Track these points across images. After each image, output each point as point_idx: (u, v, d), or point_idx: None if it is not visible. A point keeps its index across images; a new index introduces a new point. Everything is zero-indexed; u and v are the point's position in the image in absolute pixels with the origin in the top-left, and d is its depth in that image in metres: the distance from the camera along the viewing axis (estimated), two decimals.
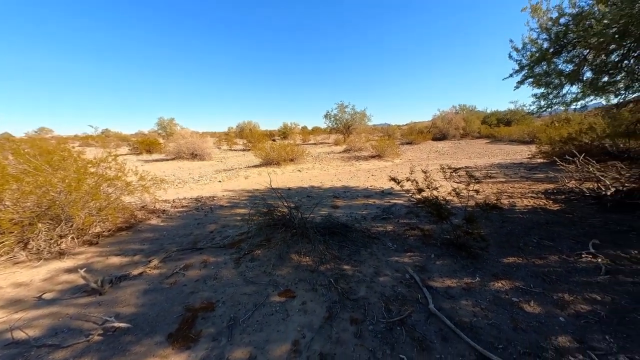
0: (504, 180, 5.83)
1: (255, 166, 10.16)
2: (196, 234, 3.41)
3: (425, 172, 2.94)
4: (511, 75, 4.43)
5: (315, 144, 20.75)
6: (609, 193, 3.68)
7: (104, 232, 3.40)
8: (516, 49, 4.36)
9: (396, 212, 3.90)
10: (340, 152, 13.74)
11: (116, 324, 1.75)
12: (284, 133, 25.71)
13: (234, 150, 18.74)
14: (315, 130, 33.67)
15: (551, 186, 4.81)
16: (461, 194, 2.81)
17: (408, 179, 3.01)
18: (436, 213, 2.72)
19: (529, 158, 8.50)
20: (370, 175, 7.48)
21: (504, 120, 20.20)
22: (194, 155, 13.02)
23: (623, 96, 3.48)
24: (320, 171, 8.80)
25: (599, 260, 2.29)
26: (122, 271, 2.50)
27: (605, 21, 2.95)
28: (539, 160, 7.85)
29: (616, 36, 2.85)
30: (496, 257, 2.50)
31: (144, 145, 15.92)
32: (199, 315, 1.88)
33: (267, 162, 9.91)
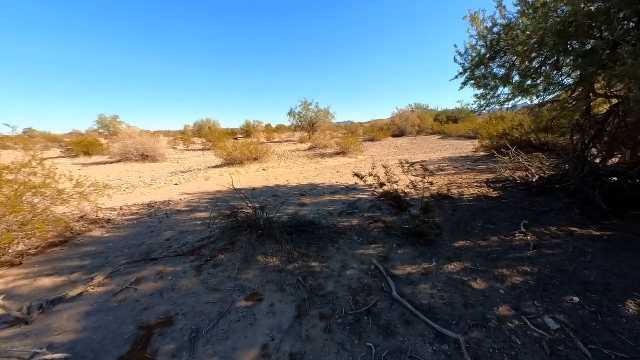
0: (454, 172, 6.45)
1: (217, 167, 9.61)
2: (150, 244, 3.10)
3: (385, 168, 3.10)
4: (456, 77, 4.89)
5: (280, 142, 20.43)
6: (534, 180, 4.32)
7: (29, 250, 2.89)
8: (460, 54, 4.82)
9: (361, 206, 4.05)
10: (305, 150, 13.75)
11: (49, 357, 1.50)
12: (247, 131, 24.78)
13: (192, 150, 17.48)
14: (280, 129, 33.15)
15: (491, 176, 5.47)
16: (418, 187, 3.02)
17: (370, 175, 3.13)
18: (397, 205, 2.89)
19: (473, 152, 9.54)
20: (336, 172, 7.64)
21: (453, 118, 22.32)
22: (145, 157, 11.79)
23: (542, 97, 4.08)
24: (286, 170, 8.69)
25: (529, 237, 2.68)
26: (55, 294, 2.15)
27: (528, 32, 3.42)
28: (482, 154, 8.86)
29: (536, 46, 3.32)
30: (449, 242, 2.76)
31: (81, 146, 13.89)
32: (155, 332, 1.72)
33: (229, 162, 9.45)
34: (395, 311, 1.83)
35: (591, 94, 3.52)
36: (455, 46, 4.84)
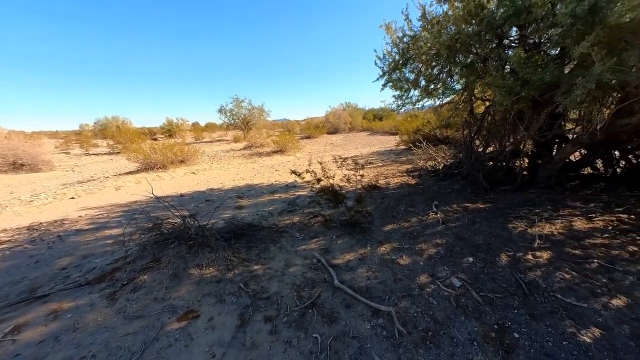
0: (381, 164, 7.22)
1: (131, 172, 8.13)
2: (34, 277, 2.40)
3: (321, 163, 3.22)
4: (377, 79, 5.46)
5: (211, 141, 18.73)
6: (440, 167, 5.24)
7: None
8: (379, 58, 5.38)
9: (301, 203, 4.11)
10: (240, 149, 13.03)
11: None
12: (169, 130, 21.77)
13: (94, 154, 14.26)
14: (210, 127, 30.35)
15: (410, 166, 6.37)
16: (351, 180, 3.26)
17: (307, 171, 3.21)
18: (333, 199, 3.05)
19: (395, 146, 10.88)
20: (274, 170, 7.52)
21: (378, 116, 24.87)
22: (19, 166, 9.00)
23: (442, 99, 4.94)
24: (219, 171, 8.04)
25: (438, 215, 3.24)
26: None
27: (428, 44, 4.07)
28: (402, 147, 10.20)
29: (434, 56, 3.98)
30: (380, 227, 3.09)
31: None
32: None
33: (148, 167, 8.12)
34: (337, 298, 1.95)
35: (473, 97, 4.46)
36: (375, 51, 5.36)
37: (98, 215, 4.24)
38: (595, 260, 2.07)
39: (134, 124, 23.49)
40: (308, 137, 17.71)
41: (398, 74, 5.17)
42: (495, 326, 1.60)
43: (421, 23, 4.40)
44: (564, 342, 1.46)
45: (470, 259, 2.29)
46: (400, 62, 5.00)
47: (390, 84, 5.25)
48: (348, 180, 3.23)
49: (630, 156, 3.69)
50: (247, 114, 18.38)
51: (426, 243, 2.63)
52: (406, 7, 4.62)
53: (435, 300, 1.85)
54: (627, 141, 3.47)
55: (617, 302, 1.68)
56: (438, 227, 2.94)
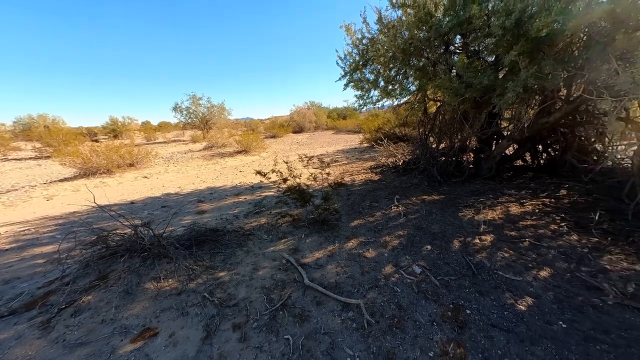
0: (346, 162, 7.42)
1: (67, 179, 7.07)
2: None
3: (287, 163, 3.19)
4: (339, 79, 5.58)
5: (165, 142, 17.21)
6: (400, 163, 5.58)
7: None
8: (340, 58, 5.50)
9: (267, 204, 4.02)
10: (200, 150, 12.22)
11: None
12: (114, 130, 19.42)
13: (15, 159, 12.04)
14: (164, 127, 27.84)
15: (373, 163, 6.66)
16: (317, 178, 3.29)
17: (273, 171, 3.15)
18: (300, 198, 3.05)
19: (359, 144, 11.28)
20: (238, 171, 7.22)
21: (342, 115, 25.47)
22: None
23: (399, 99, 5.26)
24: (177, 174, 7.44)
25: (400, 208, 3.46)
26: None
27: (385, 47, 4.29)
28: (365, 145, 10.61)
29: (391, 59, 4.21)
30: (347, 223, 3.18)
31: None
32: None
33: (88, 172, 7.14)
34: (308, 297, 1.95)
35: (426, 98, 4.84)
36: (336, 51, 5.47)
37: (23, 231, 3.59)
38: (527, 239, 2.42)
39: (67, 124, 20.37)
40: (273, 137, 17.37)
41: (359, 75, 5.34)
42: (451, 305, 1.77)
43: (378, 26, 4.62)
44: (505, 312, 1.68)
45: (429, 247, 2.50)
46: (361, 63, 5.18)
47: (352, 84, 5.41)
48: (315, 179, 3.26)
49: (549, 149, 4.38)
50: (207, 113, 17.28)
51: (390, 235, 2.79)
52: (364, 10, 4.79)
53: (399, 288, 1.97)
54: (547, 137, 4.11)
55: (543, 273, 1.99)
56: (400, 220, 3.13)
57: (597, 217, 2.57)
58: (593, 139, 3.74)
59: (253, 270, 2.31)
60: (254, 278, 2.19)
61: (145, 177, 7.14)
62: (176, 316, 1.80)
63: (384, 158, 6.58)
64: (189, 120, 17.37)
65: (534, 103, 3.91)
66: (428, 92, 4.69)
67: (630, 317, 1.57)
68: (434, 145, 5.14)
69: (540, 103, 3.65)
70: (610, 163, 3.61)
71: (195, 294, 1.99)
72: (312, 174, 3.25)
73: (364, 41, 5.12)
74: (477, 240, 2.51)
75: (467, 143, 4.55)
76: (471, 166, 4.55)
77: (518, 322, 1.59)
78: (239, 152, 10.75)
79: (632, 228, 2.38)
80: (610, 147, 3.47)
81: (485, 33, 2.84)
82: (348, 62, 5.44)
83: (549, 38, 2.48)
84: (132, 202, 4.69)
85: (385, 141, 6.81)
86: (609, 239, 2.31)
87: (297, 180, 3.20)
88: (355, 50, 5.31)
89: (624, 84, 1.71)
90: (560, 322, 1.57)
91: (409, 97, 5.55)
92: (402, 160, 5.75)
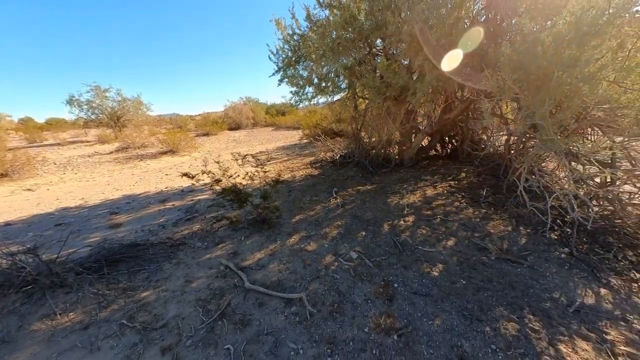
0: (286, 159, 7.39)
1: None
2: None
3: (218, 162, 2.96)
4: (273, 74, 5.46)
5: (60, 144, 13.74)
6: (337, 157, 5.88)
7: None
8: (272, 53, 5.38)
9: (201, 209, 3.67)
10: (112, 152, 10.22)
11: None
12: None
13: None
14: (56, 124, 22.14)
15: (312, 158, 6.82)
16: (255, 177, 3.18)
17: (204, 172, 2.89)
18: (237, 199, 2.89)
19: (299, 140, 11.37)
20: (164, 174, 6.34)
21: (281, 111, 25.11)
22: None
23: (332, 96, 5.49)
24: (78, 183, 6.05)
25: (338, 200, 3.65)
26: None
27: (316, 45, 4.39)
28: (305, 141, 10.77)
29: (322, 57, 4.34)
30: (288, 219, 3.18)
31: None
32: None
33: None
34: (249, 300, 1.88)
35: (355, 96, 5.19)
36: (268, 45, 5.32)
37: None
38: (438, 216, 2.89)
39: None
40: (206, 134, 15.88)
41: (293, 71, 5.33)
42: (382, 282, 1.98)
43: (307, 24, 4.68)
44: (424, 280, 1.97)
45: (363, 233, 2.72)
46: (294, 59, 5.17)
47: (287, 80, 5.36)
48: (252, 177, 3.13)
49: (452, 140, 5.31)
50: (117, 108, 14.49)
51: (329, 226, 2.92)
52: (292, 6, 4.78)
53: (339, 275, 2.09)
54: (450, 130, 4.95)
55: (450, 242, 2.42)
56: (338, 211, 3.31)
57: (484, 193, 3.26)
58: (480, 131, 4.70)
59: (185, 283, 2.09)
60: (187, 292, 1.98)
61: (29, 189, 5.57)
62: (83, 355, 1.48)
63: (322, 153, 6.80)
64: (93, 117, 14.28)
65: (440, 102, 4.66)
66: (357, 90, 5.03)
67: (505, 267, 2.06)
68: (365, 140, 5.58)
69: (444, 102, 4.37)
70: (491, 150, 4.61)
71: (109, 324, 1.68)
72: (247, 173, 3.12)
73: (295, 37, 5.12)
74: (402, 222, 2.86)
75: (392, 137, 5.11)
76: (397, 157, 5.13)
77: (432, 286, 1.90)
78: (164, 153, 9.44)
79: (506, 199, 3.11)
80: (491, 138, 4.42)
81: (398, 39, 3.21)
82: (281, 58, 5.37)
83: (446, 46, 2.97)
84: (6, 224, 3.60)
85: (323, 137, 7.05)
86: (492, 209, 2.97)
87: (233, 180, 3.02)
88: (287, 46, 5.27)
89: (493, 88, 2.20)
90: (461, 280, 1.94)
91: (341, 94, 5.86)
92: (339, 155, 6.06)
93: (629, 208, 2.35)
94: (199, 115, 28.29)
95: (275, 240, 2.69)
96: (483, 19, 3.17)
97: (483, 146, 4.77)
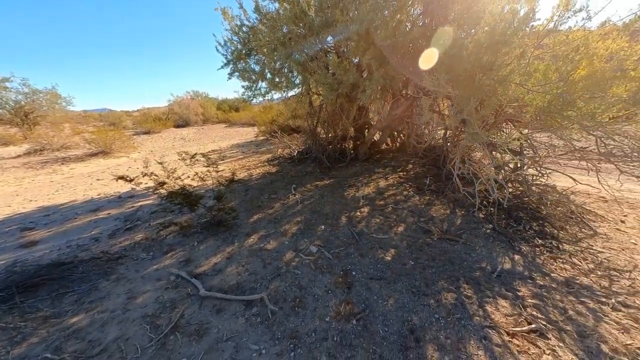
0: (242, 157, 7.07)
1: None
2: None
3: (162, 163, 2.69)
4: (222, 67, 5.13)
5: None
6: (295, 154, 5.86)
7: None
8: (220, 44, 5.04)
9: (144, 215, 3.29)
10: (19, 156, 8.39)
11: None
12: None
13: None
14: None
15: (270, 155, 6.67)
16: (206, 177, 2.97)
17: (145, 174, 2.58)
18: (187, 202, 2.67)
19: (255, 137, 10.98)
20: (95, 180, 5.48)
21: (234, 107, 23.80)
22: None
23: (287, 92, 5.42)
24: None
25: (297, 196, 3.66)
26: None
27: (267, 38, 4.25)
28: (262, 138, 10.44)
29: (273, 50, 4.23)
30: (246, 219, 3.07)
31: None
32: None
33: None
34: (205, 308, 1.78)
35: (310, 92, 5.22)
36: (214, 35, 4.97)
37: None
38: (390, 205, 3.13)
39: None
40: (147, 133, 14.19)
41: (244, 64, 5.08)
42: (341, 272, 2.07)
43: (256, 16, 4.50)
44: (378, 265, 2.12)
45: (323, 227, 2.79)
46: (244, 52, 4.93)
47: (237, 73, 5.09)
48: (203, 178, 2.92)
49: (401, 135, 5.76)
50: (24, 101, 11.87)
51: (289, 223, 2.91)
52: None
53: (300, 270, 2.11)
54: (398, 125, 5.35)
55: (400, 228, 2.64)
56: (297, 207, 3.32)
57: (428, 182, 3.63)
58: (423, 126, 5.19)
59: (128, 300, 1.86)
60: (130, 309, 1.77)
61: None
62: None
63: (280, 150, 6.70)
64: None
65: (388, 99, 4.99)
66: (311, 86, 5.05)
67: (445, 245, 2.34)
68: (322, 135, 5.67)
69: (391, 99, 4.69)
70: (432, 143, 5.14)
71: None
72: (198, 173, 2.90)
73: (244, 29, 4.88)
74: (358, 213, 3.01)
75: (347, 132, 5.30)
76: (352, 152, 5.35)
77: (386, 270, 2.06)
78: (94, 155, 8.14)
79: (445, 186, 3.52)
80: (431, 132, 4.92)
81: (347, 37, 3.31)
82: (230, 50, 5.07)
83: (391, 47, 3.18)
84: None
85: (279, 133, 6.94)
86: (434, 195, 3.33)
87: (181, 182, 2.77)
88: (236, 38, 4.99)
89: (430, 85, 2.45)
90: (410, 261, 2.14)
91: (296, 90, 5.81)
92: (296, 151, 6.04)
93: (533, 188, 2.89)
94: (137, 111, 25.07)
95: (233, 242, 2.58)
96: (421, 23, 3.48)
97: (425, 140, 5.30)
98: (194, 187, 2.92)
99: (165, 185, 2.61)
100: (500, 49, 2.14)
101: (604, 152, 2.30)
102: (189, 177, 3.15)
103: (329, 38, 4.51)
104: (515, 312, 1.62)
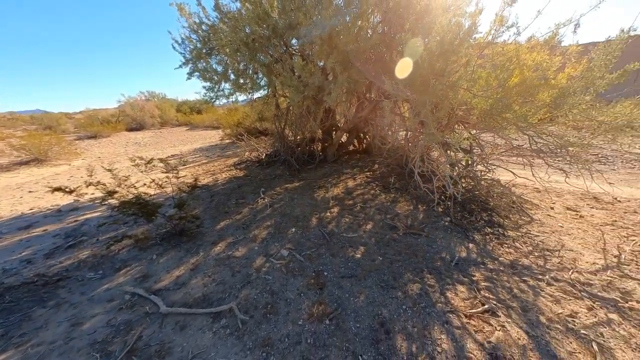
0: (206, 161, 6.70)
1: None
2: None
3: (111, 170, 2.42)
4: (180, 67, 4.82)
5: None
6: (263, 157, 5.73)
7: None
8: (177, 42, 4.73)
9: (91, 230, 2.92)
10: None
11: None
12: None
13: None
14: None
15: (237, 159, 6.43)
16: (166, 184, 2.75)
17: (90, 184, 2.30)
18: (143, 211, 2.44)
19: (220, 140, 10.49)
20: (26, 192, 4.71)
21: (196, 108, 22.47)
22: None
23: (252, 94, 5.28)
24: None
25: (266, 200, 3.57)
26: None
27: (229, 38, 4.10)
28: (227, 141, 10.02)
29: (236, 51, 4.10)
30: (212, 227, 2.91)
31: None
32: None
33: None
34: (167, 326, 1.64)
35: (276, 94, 5.16)
36: (170, 32, 4.65)
37: None
38: (358, 205, 3.22)
39: None
40: (93, 137, 12.68)
41: (204, 64, 4.83)
42: (313, 273, 2.07)
43: (217, 14, 4.33)
44: (349, 263, 2.17)
45: (293, 229, 2.76)
46: (204, 51, 4.70)
47: (198, 73, 4.82)
48: (161, 185, 2.70)
49: (366, 136, 5.98)
50: None
51: (258, 228, 2.83)
52: None
53: (271, 276, 2.07)
54: (364, 127, 5.56)
55: (368, 226, 2.74)
56: (267, 211, 3.24)
57: (392, 180, 3.82)
58: (386, 128, 5.47)
59: (72, 327, 1.63)
60: (75, 337, 1.56)
61: None
62: None
63: (247, 153, 6.49)
64: None
65: (354, 102, 5.16)
66: (277, 88, 5.00)
67: (410, 240, 2.48)
68: (290, 138, 5.64)
69: (356, 102, 4.86)
70: (395, 143, 5.44)
71: None
72: (154, 180, 2.67)
73: (203, 27, 4.65)
74: (328, 214, 3.05)
75: (315, 134, 5.34)
76: (321, 154, 5.41)
77: (357, 267, 2.11)
78: (25, 164, 7.01)
79: (408, 184, 3.74)
80: (393, 133, 5.21)
81: (310, 40, 3.35)
82: (188, 48, 4.79)
83: (353, 51, 3.29)
84: None
85: (246, 136, 6.73)
86: (399, 193, 3.52)
87: (135, 190, 2.52)
88: (195, 36, 4.73)
89: (390, 89, 2.60)
90: (379, 257, 2.23)
91: (262, 92, 5.69)
92: (264, 154, 5.91)
93: (482, 182, 3.23)
94: (80, 112, 22.31)
95: (197, 252, 2.42)
96: (381, 31, 3.67)
97: (389, 141, 5.58)
98: (151, 195, 2.68)
99: (116, 195, 2.35)
100: (449, 57, 2.35)
101: (535, 149, 2.66)
102: (144, 184, 2.88)
103: (294, 41, 4.52)
104: (471, 296, 1.78)
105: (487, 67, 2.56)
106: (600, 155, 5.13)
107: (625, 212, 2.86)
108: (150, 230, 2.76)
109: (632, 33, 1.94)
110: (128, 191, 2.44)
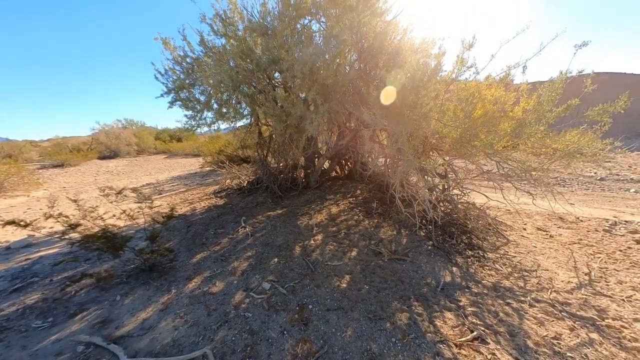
0: (184, 189, 6.44)
1: None
2: None
3: (76, 201, 2.23)
4: (162, 95, 4.83)
5: None
6: (245, 184, 5.63)
7: None
8: (160, 73, 4.80)
9: (44, 269, 2.59)
10: None
11: None
12: None
13: None
14: None
15: (217, 187, 6.25)
16: (138, 214, 2.57)
17: (50, 216, 2.09)
18: (109, 245, 2.23)
19: (200, 168, 10.25)
20: None
21: (176, 136, 22.13)
22: None
23: (235, 122, 5.35)
24: None
25: (247, 229, 3.43)
26: None
27: (213, 71, 4.23)
28: (207, 169, 9.80)
29: (220, 83, 4.21)
30: (187, 260, 2.70)
31: None
32: None
33: None
34: None
35: (259, 123, 5.26)
36: (153, 64, 4.73)
37: None
38: (342, 231, 3.19)
39: None
40: (60, 166, 11.87)
41: (187, 94, 4.89)
42: (297, 307, 1.94)
43: (201, 48, 4.50)
44: (335, 294, 2.07)
45: (276, 260, 2.63)
46: (187, 82, 4.78)
47: (180, 102, 4.85)
48: (132, 216, 2.51)
49: (348, 163, 6.15)
50: None
51: (238, 260, 2.67)
52: (183, 29, 4.52)
53: (251, 312, 1.90)
54: (345, 154, 5.73)
55: (353, 253, 2.69)
56: (248, 241, 3.10)
57: (375, 206, 3.87)
58: (367, 155, 5.68)
59: None
60: None
61: None
62: None
63: (228, 180, 6.36)
64: None
65: (335, 130, 5.36)
66: (260, 117, 5.11)
67: (395, 265, 2.45)
68: (273, 165, 5.64)
69: (337, 131, 5.06)
70: (375, 170, 5.63)
71: None
72: (125, 210, 2.49)
73: (187, 60, 4.79)
74: (312, 242, 2.97)
75: (298, 161, 5.41)
76: (303, 180, 5.42)
77: (343, 298, 2.02)
78: None
79: (390, 209, 3.80)
80: (373, 160, 5.41)
81: (292, 74, 3.55)
82: (171, 79, 4.86)
83: (332, 85, 3.52)
84: None
85: (227, 164, 6.65)
86: (382, 218, 3.55)
87: (101, 222, 2.33)
88: (178, 67, 4.85)
89: (369, 119, 2.76)
90: (365, 286, 2.16)
91: (244, 121, 5.77)
92: (246, 181, 5.82)
93: (459, 205, 3.36)
94: (48, 140, 21.10)
95: (169, 290, 2.20)
96: (357, 67, 3.99)
97: (370, 167, 5.77)
98: (120, 227, 2.47)
99: (79, 228, 2.14)
100: (420, 91, 2.58)
101: (503, 174, 2.87)
102: (114, 216, 2.68)
103: (277, 74, 4.76)
104: (459, 323, 1.74)
105: (453, 101, 2.82)
106: (559, 179, 5.63)
107: (589, 231, 3.08)
108: (115, 267, 2.50)
109: (568, 75, 2.27)
110: (94, 223, 2.24)
